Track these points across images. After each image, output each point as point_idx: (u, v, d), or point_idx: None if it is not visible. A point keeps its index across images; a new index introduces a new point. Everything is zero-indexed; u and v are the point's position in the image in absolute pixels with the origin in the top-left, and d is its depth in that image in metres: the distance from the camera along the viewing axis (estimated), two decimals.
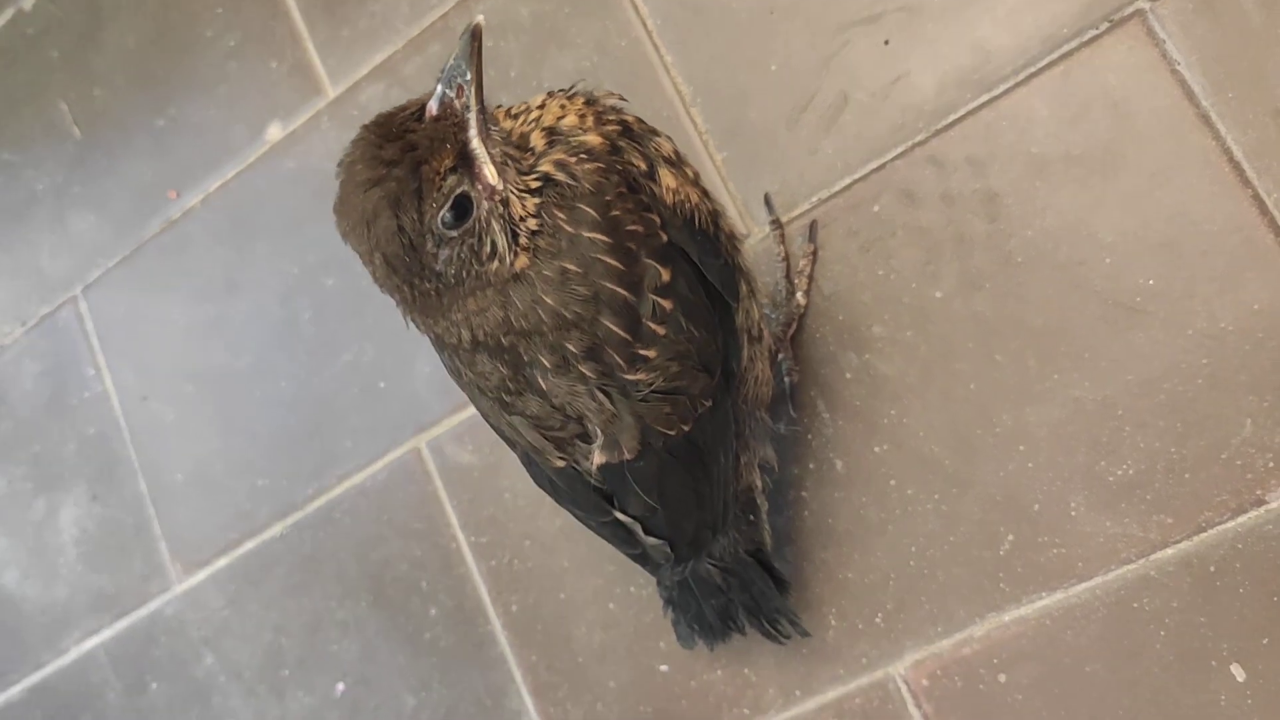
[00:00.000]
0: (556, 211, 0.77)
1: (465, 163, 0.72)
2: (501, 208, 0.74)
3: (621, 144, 0.81)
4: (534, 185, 0.76)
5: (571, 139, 0.79)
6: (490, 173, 0.74)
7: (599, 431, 0.83)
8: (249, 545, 1.31)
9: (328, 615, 1.26)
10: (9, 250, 1.49)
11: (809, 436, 1.04)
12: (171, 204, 1.38)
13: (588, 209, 0.77)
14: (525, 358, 0.80)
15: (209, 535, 1.33)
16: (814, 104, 1.06)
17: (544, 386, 0.81)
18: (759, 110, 1.08)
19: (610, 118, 0.82)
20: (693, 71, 1.12)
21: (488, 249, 0.74)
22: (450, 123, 0.71)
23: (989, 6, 1.00)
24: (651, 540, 0.90)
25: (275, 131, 1.32)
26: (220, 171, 1.35)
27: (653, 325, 0.79)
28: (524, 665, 1.16)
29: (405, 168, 0.70)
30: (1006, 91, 1.00)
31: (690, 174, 0.85)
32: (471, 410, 1.16)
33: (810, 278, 1.04)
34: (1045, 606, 0.96)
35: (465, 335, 0.79)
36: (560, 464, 0.87)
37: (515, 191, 0.75)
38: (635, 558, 0.94)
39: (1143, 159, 0.95)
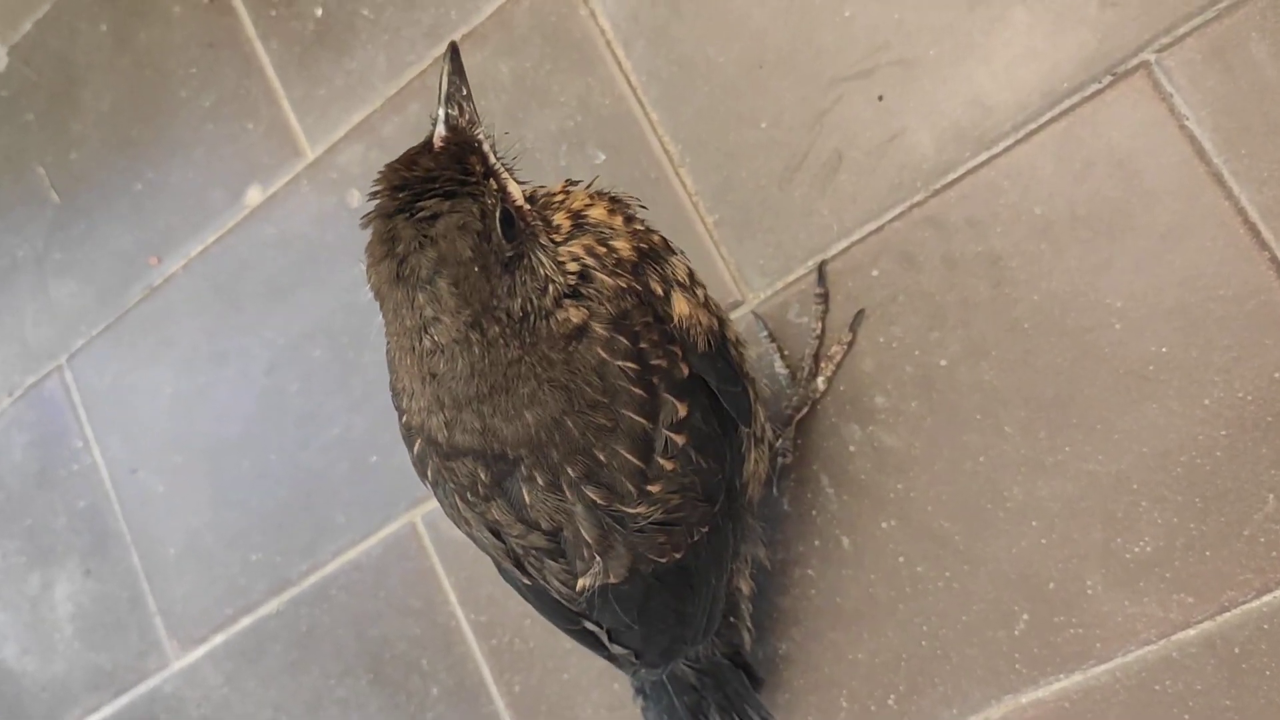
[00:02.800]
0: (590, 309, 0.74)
1: (490, 174, 0.70)
2: (535, 235, 0.71)
3: (645, 264, 0.77)
4: (570, 267, 0.73)
5: (601, 231, 0.76)
6: (514, 189, 0.72)
7: (585, 554, 0.79)
8: (245, 621, 1.28)
9: (327, 693, 1.23)
10: None
11: (813, 513, 1.01)
12: (153, 270, 1.35)
13: (620, 337, 0.73)
14: (521, 471, 0.75)
15: (205, 611, 1.30)
16: (807, 163, 1.02)
17: (525, 499, 0.77)
18: (750, 170, 1.04)
19: (638, 227, 0.79)
20: (680, 130, 1.07)
21: (542, 271, 0.71)
22: (465, 140, 0.70)
23: (985, 59, 0.96)
24: (619, 649, 0.86)
25: (255, 195, 1.29)
26: (200, 236, 1.32)
27: (662, 460, 0.76)
28: None
29: (451, 179, 0.68)
30: (1007, 149, 0.95)
31: (701, 296, 0.82)
32: None
33: (839, 366, 1.00)
34: (1063, 689, 0.92)
35: (506, 430, 0.73)
36: (527, 582, 0.84)
37: (547, 240, 0.72)
38: (605, 657, 0.90)
39: (1152, 220, 0.90)
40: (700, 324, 0.79)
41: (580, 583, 0.80)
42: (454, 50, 0.71)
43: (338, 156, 1.24)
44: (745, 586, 0.94)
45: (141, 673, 1.34)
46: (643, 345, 0.75)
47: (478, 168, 0.69)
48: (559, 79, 1.12)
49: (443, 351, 0.70)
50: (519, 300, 0.70)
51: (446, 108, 0.70)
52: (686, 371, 0.77)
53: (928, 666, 0.96)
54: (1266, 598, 0.86)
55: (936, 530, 0.96)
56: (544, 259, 0.71)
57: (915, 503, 0.97)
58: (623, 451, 0.75)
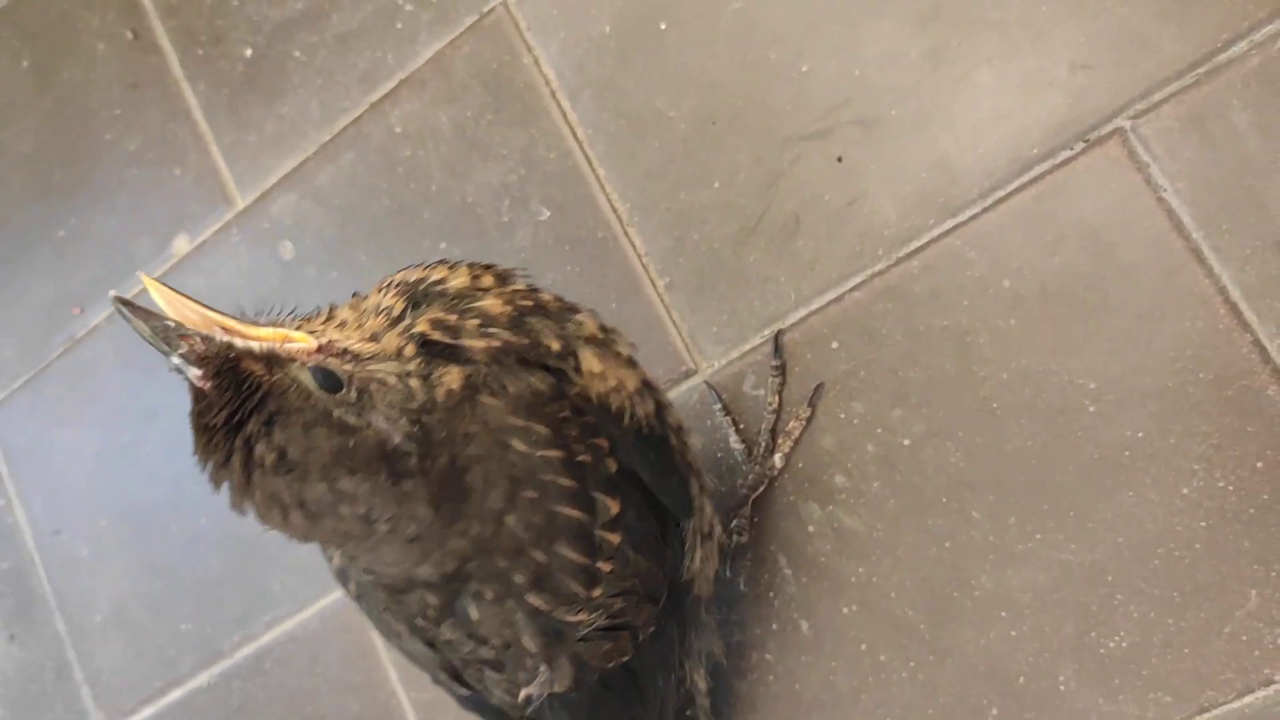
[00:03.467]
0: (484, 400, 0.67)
1: (270, 360, 0.61)
2: (357, 357, 0.64)
3: (531, 320, 0.70)
4: (408, 351, 0.66)
5: (461, 300, 0.69)
6: (301, 342, 0.62)
7: (528, 664, 0.73)
8: (175, 694, 1.22)
9: None
10: None
11: (770, 594, 0.95)
12: (75, 321, 1.28)
13: (537, 426, 0.68)
14: (470, 587, 0.70)
15: (132, 683, 1.24)
16: (763, 225, 0.96)
17: (473, 617, 0.72)
18: (703, 232, 0.99)
19: (518, 287, 0.72)
20: (629, 188, 1.01)
21: (390, 379, 0.64)
22: (216, 360, 0.60)
23: (950, 122, 0.91)
24: None
25: (182, 244, 1.22)
26: (125, 287, 1.25)
27: (599, 564, 0.71)
28: None
29: (237, 397, 0.60)
30: (973, 217, 0.90)
31: (623, 355, 0.75)
32: None
33: (797, 443, 0.94)
34: None
35: (438, 560, 0.68)
36: (464, 693, 0.80)
37: (369, 351, 0.64)
38: None
39: (1128, 297, 0.85)
40: (626, 387, 0.73)
41: (524, 692, 0.75)
42: (124, 305, 0.61)
43: (270, 205, 1.17)
44: (702, 683, 0.89)
45: None
46: (569, 434, 0.69)
47: (255, 368, 0.61)
48: (501, 131, 1.06)
49: (377, 534, 0.64)
50: (386, 416, 0.63)
51: (176, 355, 0.60)
52: (614, 466, 0.72)
53: None
54: (1248, 698, 0.82)
55: (900, 618, 0.91)
56: (383, 367, 0.64)
57: (878, 588, 0.92)
58: (564, 550, 0.70)
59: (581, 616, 0.72)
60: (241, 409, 0.60)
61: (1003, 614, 0.88)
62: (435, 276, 0.70)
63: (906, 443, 0.91)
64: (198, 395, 0.61)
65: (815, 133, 0.95)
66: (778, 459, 0.94)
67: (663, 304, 1.00)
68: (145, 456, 1.24)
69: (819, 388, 0.94)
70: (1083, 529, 0.86)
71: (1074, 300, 0.87)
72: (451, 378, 0.66)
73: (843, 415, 0.93)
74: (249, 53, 1.18)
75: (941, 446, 0.90)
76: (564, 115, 1.04)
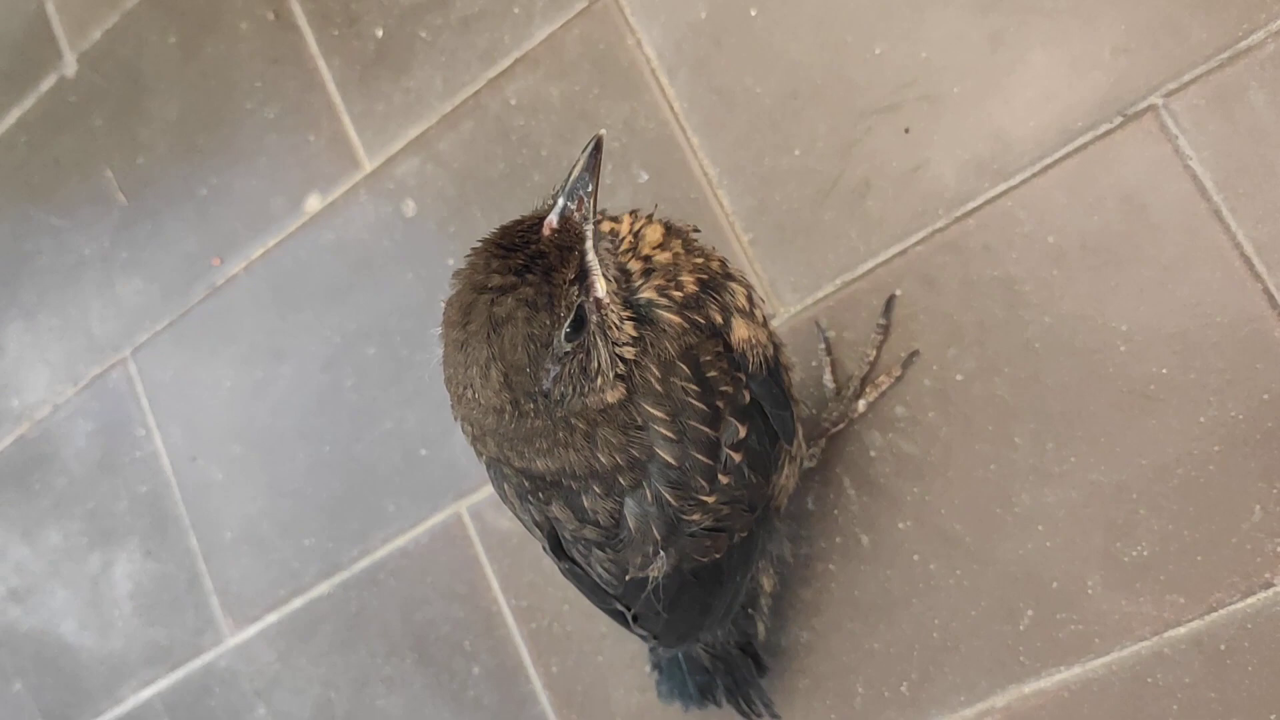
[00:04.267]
0: (650, 352, 0.79)
1: (582, 275, 0.73)
2: (603, 326, 0.75)
3: (704, 296, 0.83)
4: (626, 353, 0.78)
5: (668, 269, 0.82)
6: (601, 285, 0.74)
7: (650, 551, 0.85)
8: (297, 603, 1.36)
9: (374, 671, 1.32)
10: (60, 312, 1.54)
11: (835, 512, 1.09)
12: (215, 270, 1.43)
13: (683, 364, 0.80)
14: (570, 487, 0.82)
15: (259, 591, 1.39)
16: (837, 188, 1.10)
17: (584, 504, 0.83)
18: (784, 194, 1.12)
19: (696, 259, 0.84)
20: (719, 154, 1.15)
21: (594, 366, 0.75)
22: (571, 234, 0.72)
23: (1006, 98, 1.04)
24: (640, 631, 0.95)
25: (314, 203, 1.37)
26: (262, 240, 1.40)
27: (721, 476, 0.83)
28: None
29: (537, 275, 0.70)
30: (1024, 181, 1.03)
31: (760, 317, 0.88)
32: None
33: (882, 395, 1.07)
34: (1063, 680, 1.00)
35: (536, 465, 0.80)
36: (565, 566, 0.91)
37: (615, 312, 0.77)
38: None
39: (1156, 251, 0.98)
40: (759, 344, 0.85)
41: (646, 571, 0.87)
42: (598, 143, 0.72)
43: (394, 169, 1.32)
44: (768, 583, 1.03)
45: (197, 649, 1.43)
46: (710, 373, 0.81)
47: (570, 273, 0.71)
48: (606, 103, 1.21)
49: (480, 406, 0.75)
50: (559, 389, 0.74)
51: (566, 199, 0.72)
52: (748, 398, 0.85)
53: (938, 657, 1.04)
54: (1251, 599, 0.94)
55: (949, 532, 1.04)
56: (602, 353, 0.75)
57: (930, 506, 1.05)
58: (694, 454, 0.81)
59: (696, 516, 0.84)
60: (549, 255, 0.71)
61: (1040, 527, 1.01)
62: (646, 248, 0.82)
63: (959, 378, 1.04)
64: (515, 232, 0.73)
65: (886, 107, 1.08)
66: (862, 404, 1.07)
67: (746, 257, 1.13)
68: (275, 391, 1.39)
69: (914, 354, 1.06)
70: (1112, 452, 0.99)
71: (1109, 254, 0.99)
72: (612, 395, 0.77)
73: (903, 354, 1.07)
74: (380, 33, 1.33)
75: (989, 381, 1.03)
76: (662, 90, 1.18)
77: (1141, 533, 0.98)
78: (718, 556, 0.89)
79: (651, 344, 0.79)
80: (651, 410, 0.79)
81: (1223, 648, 0.95)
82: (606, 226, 0.82)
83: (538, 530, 0.90)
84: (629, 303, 0.79)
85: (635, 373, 0.78)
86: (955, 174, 1.06)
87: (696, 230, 0.87)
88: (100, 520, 1.50)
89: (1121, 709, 0.98)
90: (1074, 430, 1.00)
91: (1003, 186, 1.04)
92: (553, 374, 0.73)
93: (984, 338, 1.04)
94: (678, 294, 0.81)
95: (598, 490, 0.82)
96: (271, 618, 1.38)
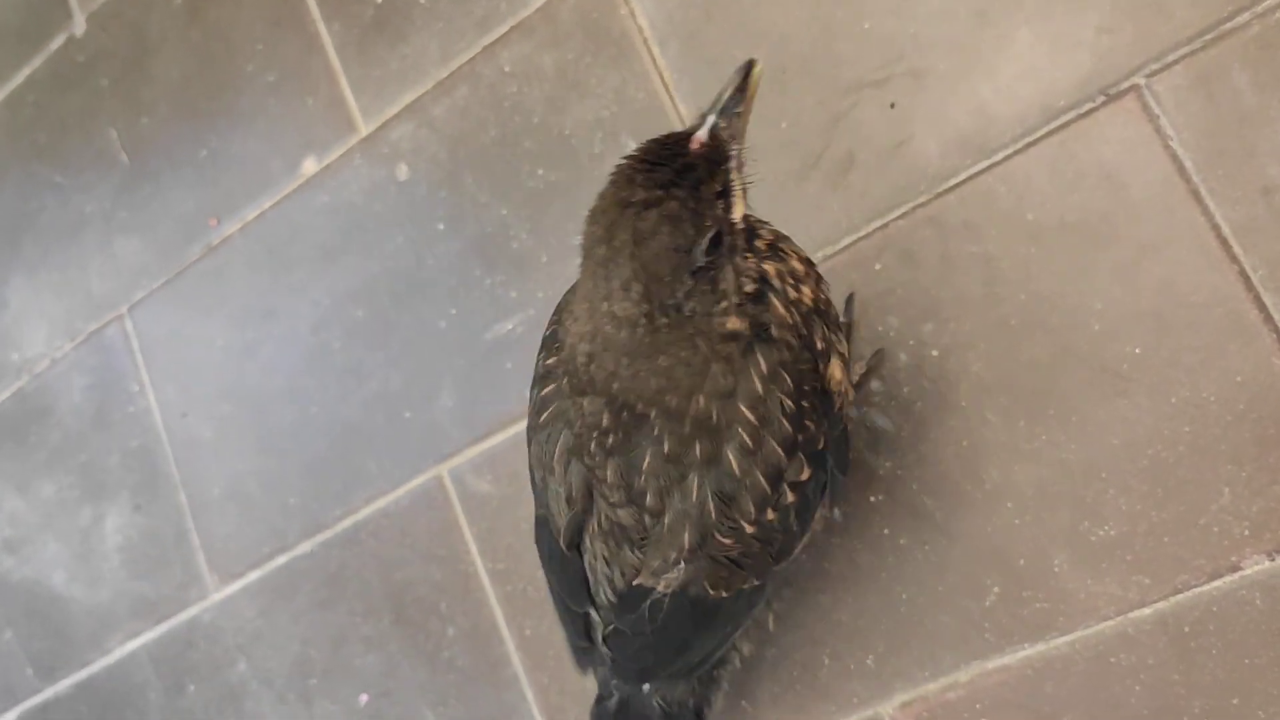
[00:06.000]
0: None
1: (724, 193, 0.74)
2: (733, 250, 0.76)
3: (815, 319, 0.83)
4: (748, 287, 0.77)
5: (793, 268, 0.82)
6: (739, 208, 0.76)
7: (672, 556, 0.82)
8: (280, 560, 1.38)
9: (352, 630, 1.33)
10: (60, 269, 1.56)
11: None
12: (212, 231, 1.45)
13: (787, 377, 0.79)
14: (653, 430, 0.79)
15: (244, 548, 1.40)
16: (822, 162, 1.10)
17: (644, 463, 0.80)
18: (769, 165, 1.11)
19: (823, 293, 0.85)
20: None
21: (722, 286, 0.75)
22: (720, 151, 0.73)
23: (990, 75, 1.04)
24: (605, 650, 0.92)
25: (310, 165, 1.38)
26: (258, 202, 1.41)
27: (770, 511, 0.81)
28: (536, 686, 1.22)
29: (685, 189, 0.71)
30: (1006, 158, 1.03)
31: (851, 376, 0.89)
32: (491, 442, 1.22)
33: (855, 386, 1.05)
34: (1027, 657, 1.00)
35: (649, 385, 0.77)
36: (568, 552, 0.89)
37: (740, 258, 0.77)
38: (576, 651, 0.96)
39: (1134, 230, 0.98)
40: (844, 394, 0.85)
41: (641, 578, 0.85)
42: (749, 67, 0.74)
43: (389, 133, 1.33)
44: (746, 648, 1.02)
45: (182, 603, 1.44)
46: (804, 402, 0.80)
47: (716, 186, 0.73)
48: (598, 72, 1.21)
49: (615, 318, 0.75)
50: (691, 304, 0.74)
51: (718, 116, 0.73)
52: (822, 444, 0.83)
53: (904, 630, 1.05)
54: (1217, 582, 0.94)
55: (919, 506, 1.04)
56: (730, 275, 0.75)
57: (902, 480, 1.05)
58: (758, 476, 0.79)
59: (729, 541, 0.81)
60: (697, 169, 0.72)
61: (1009, 504, 1.01)
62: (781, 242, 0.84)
63: (934, 353, 1.05)
64: (661, 146, 0.73)
65: (872, 81, 1.09)
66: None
67: None
68: (265, 351, 1.40)
69: (879, 353, 1.06)
70: (1083, 431, 0.99)
71: (1087, 232, 0.99)
72: (735, 323, 0.76)
73: (880, 328, 1.07)
74: None
75: (964, 357, 1.03)
76: (653, 60, 1.19)
77: (1109, 512, 0.98)
78: (725, 595, 0.85)
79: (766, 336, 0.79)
80: (743, 411, 0.78)
81: (1187, 630, 0.95)
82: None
83: (565, 507, 0.87)
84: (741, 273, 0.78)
85: (758, 318, 0.78)
86: (938, 149, 1.06)
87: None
88: (93, 474, 1.52)
89: (1084, 688, 0.98)
90: (1046, 408, 1.00)
91: (984, 163, 1.04)
92: (687, 287, 0.73)
93: (960, 313, 1.04)
94: (794, 293, 0.81)
95: (670, 445, 0.79)
96: (255, 574, 1.39)
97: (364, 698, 1.32)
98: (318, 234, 1.37)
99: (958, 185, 1.05)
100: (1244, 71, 0.95)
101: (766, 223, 0.84)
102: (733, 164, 0.74)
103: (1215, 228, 0.95)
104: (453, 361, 1.28)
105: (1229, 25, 0.96)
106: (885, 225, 1.07)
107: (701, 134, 0.73)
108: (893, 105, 1.08)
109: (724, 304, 0.75)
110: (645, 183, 0.71)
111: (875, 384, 1.06)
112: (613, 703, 0.99)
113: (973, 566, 1.02)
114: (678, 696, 0.98)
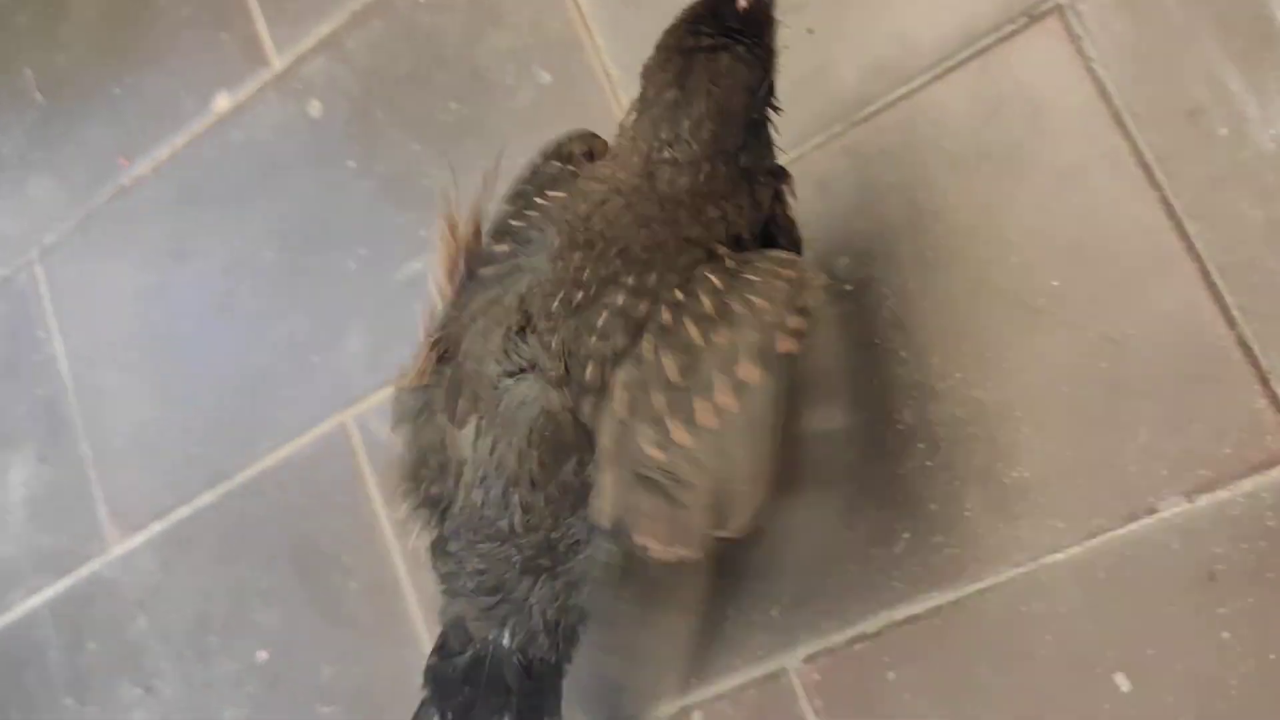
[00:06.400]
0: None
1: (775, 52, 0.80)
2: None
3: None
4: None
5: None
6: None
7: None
8: (182, 512, 1.32)
9: (253, 584, 1.28)
10: None
11: None
12: (123, 171, 1.40)
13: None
14: (625, 281, 0.73)
15: (145, 499, 1.35)
16: None
17: (598, 320, 0.72)
18: None
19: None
20: (622, 55, 1.11)
21: (769, 142, 0.81)
22: (765, 13, 0.79)
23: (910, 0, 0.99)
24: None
25: (223, 102, 1.33)
26: (170, 141, 1.37)
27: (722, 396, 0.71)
28: None
29: (749, 38, 0.76)
30: (924, 85, 0.98)
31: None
32: None
33: None
34: (937, 606, 0.95)
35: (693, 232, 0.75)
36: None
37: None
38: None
39: (1054, 158, 0.93)
40: None
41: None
42: None
43: (302, 68, 1.28)
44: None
45: (83, 557, 1.39)
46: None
47: (769, 41, 0.78)
48: (512, 2, 1.17)
49: (671, 162, 0.76)
50: (747, 157, 0.78)
51: None
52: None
53: (810, 581, 0.99)
54: (1133, 525, 0.89)
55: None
56: (773, 134, 0.81)
57: None
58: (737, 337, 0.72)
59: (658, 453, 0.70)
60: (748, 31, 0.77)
61: (920, 445, 0.96)
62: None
63: (848, 287, 1.00)
64: (710, 4, 0.78)
65: (791, 6, 1.02)
66: None
67: None
68: (175, 296, 1.35)
69: None
70: (998, 369, 0.94)
71: (1006, 161, 0.95)
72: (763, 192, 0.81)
73: None
74: None
75: (879, 292, 0.99)
76: None
77: (1023, 453, 0.93)
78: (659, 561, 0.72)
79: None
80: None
81: (1102, 576, 0.90)
82: None
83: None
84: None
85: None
86: (856, 76, 1.01)
87: None
88: None
89: (994, 636, 0.93)
90: (960, 345, 0.95)
91: (902, 90, 0.99)
92: (742, 140, 0.77)
93: (875, 247, 0.99)
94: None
95: (622, 300, 0.72)
96: (157, 526, 1.34)
97: (263, 654, 1.26)
98: (230, 174, 1.33)
99: (875, 113, 1.00)
100: None
101: None
102: (775, 27, 0.79)
103: (1138, 154, 0.91)
104: (362, 303, 1.23)
105: None
106: (801, 155, 1.03)
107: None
108: (810, 30, 1.03)
109: (768, 160, 0.81)
110: (709, 31, 0.76)
111: None
112: (463, 659, 0.81)
113: (882, 512, 0.97)
114: (540, 651, 0.80)
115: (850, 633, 0.98)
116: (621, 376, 0.71)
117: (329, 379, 1.24)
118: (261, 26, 1.31)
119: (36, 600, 1.43)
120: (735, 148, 0.77)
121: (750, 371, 0.71)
